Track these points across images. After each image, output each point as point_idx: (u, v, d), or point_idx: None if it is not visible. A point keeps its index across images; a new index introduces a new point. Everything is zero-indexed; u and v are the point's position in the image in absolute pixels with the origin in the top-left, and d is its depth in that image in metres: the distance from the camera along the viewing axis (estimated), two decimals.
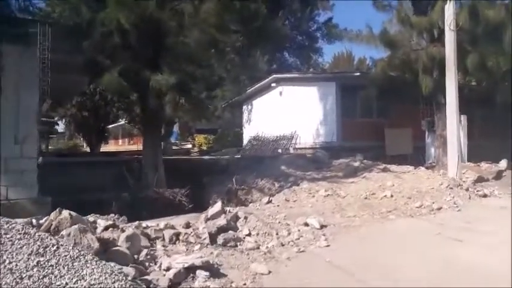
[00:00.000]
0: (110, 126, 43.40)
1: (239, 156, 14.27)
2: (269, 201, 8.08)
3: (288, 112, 18.65)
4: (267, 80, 19.63)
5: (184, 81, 8.32)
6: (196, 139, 29.43)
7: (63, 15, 8.38)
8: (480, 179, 11.14)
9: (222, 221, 6.20)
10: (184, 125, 35.35)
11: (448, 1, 10.14)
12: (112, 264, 4.10)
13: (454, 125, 10.09)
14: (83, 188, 9.22)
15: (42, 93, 8.46)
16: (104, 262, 3.37)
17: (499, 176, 11.97)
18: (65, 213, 4.54)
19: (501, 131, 18.15)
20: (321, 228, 6.48)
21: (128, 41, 7.49)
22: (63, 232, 4.25)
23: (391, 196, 8.73)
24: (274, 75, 19.31)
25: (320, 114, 17.27)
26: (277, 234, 6.04)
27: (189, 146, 29.77)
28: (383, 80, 13.85)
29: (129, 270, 4.12)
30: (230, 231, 6.05)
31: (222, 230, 6.08)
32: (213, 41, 8.59)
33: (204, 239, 5.66)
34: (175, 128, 37.27)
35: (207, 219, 6.40)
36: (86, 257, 3.28)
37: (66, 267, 3.16)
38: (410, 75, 14.13)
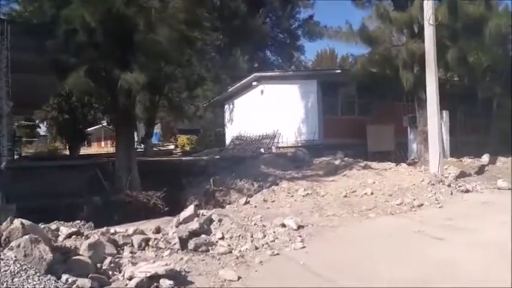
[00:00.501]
0: (91, 128, 42.71)
1: (218, 156, 13.95)
2: (246, 202, 7.80)
3: (270, 111, 18.42)
4: (247, 78, 19.36)
5: (157, 80, 7.98)
6: (179, 140, 28.99)
7: (27, 12, 7.96)
8: (462, 174, 11.05)
9: (194, 224, 5.92)
10: (167, 126, 34.92)
11: None
12: (65, 276, 3.79)
13: (435, 121, 9.96)
14: (54, 192, 8.82)
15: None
16: (48, 276, 3.04)
17: (481, 170, 11.94)
18: (17, 222, 4.19)
19: (483, 126, 18.25)
20: (298, 228, 6.24)
21: (95, 39, 7.12)
22: (13, 243, 3.91)
23: (372, 194, 8.56)
24: (255, 74, 19.05)
25: (302, 112, 17.07)
26: (251, 236, 5.77)
27: (172, 147, 29.34)
28: (363, 77, 13.69)
29: (85, 282, 3.80)
30: (203, 235, 5.77)
31: (194, 234, 5.80)
32: (185, 38, 8.25)
33: (174, 244, 5.36)
34: (158, 129, 36.81)
35: (179, 223, 6.11)
36: (28, 272, 2.96)
37: (4, 284, 2.84)
38: (391, 71, 14.02)
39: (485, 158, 12.76)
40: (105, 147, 43.92)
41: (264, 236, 5.83)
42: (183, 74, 28.16)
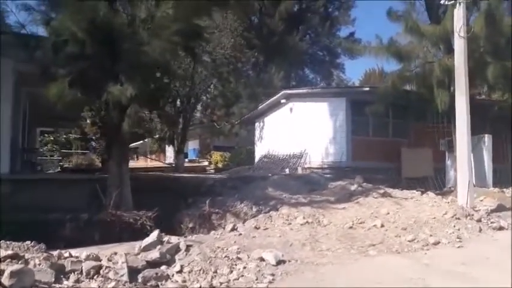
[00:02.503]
0: (138, 142, 43.84)
1: (226, 176, 13.33)
2: (233, 229, 7.08)
3: (299, 129, 17.58)
4: (276, 96, 18.70)
5: (150, 93, 7.60)
6: (213, 156, 28.77)
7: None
8: (500, 208, 9.61)
9: (154, 253, 5.29)
10: (204, 142, 34.99)
11: (457, 5, 8.90)
12: None
13: (464, 144, 8.74)
14: (47, 207, 8.55)
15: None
16: None
17: None
18: None
19: None
20: (277, 264, 5.44)
21: (84, 49, 6.87)
22: None
23: (382, 226, 7.52)
24: (284, 91, 18.35)
25: (330, 131, 16.08)
26: (215, 272, 5.04)
27: (206, 163, 29.17)
28: (394, 95, 12.56)
29: None
30: (162, 267, 5.13)
31: (153, 264, 5.18)
32: (183, 49, 7.77)
33: (122, 275, 4.75)
34: (196, 145, 37.03)
35: (140, 251, 5.51)
36: None
37: None
38: (425, 90, 12.83)
39: None
40: (151, 162, 44.86)
41: (231, 271, 5.08)
42: (222, 91, 28.38)
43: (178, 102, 23.58)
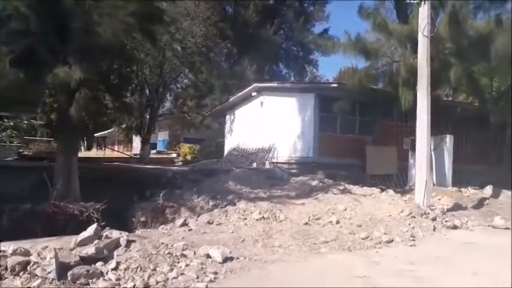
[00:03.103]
0: (106, 131, 42.64)
1: (187, 168, 13.02)
2: (184, 224, 6.81)
3: (269, 123, 17.42)
4: (248, 88, 18.45)
5: (102, 77, 7.18)
6: (182, 148, 28.28)
7: None
8: (456, 207, 9.75)
9: (90, 249, 4.97)
10: (174, 133, 34.38)
11: (422, 3, 8.86)
12: None
13: (423, 144, 8.76)
14: None
15: None
16: None
17: (480, 204, 10.53)
18: None
19: (496, 155, 16.65)
20: (223, 262, 5.22)
21: (28, 26, 6.38)
22: None
23: (337, 223, 7.44)
24: (255, 84, 18.12)
25: (298, 127, 15.97)
26: (153, 269, 4.78)
27: (174, 155, 28.64)
28: (359, 92, 12.52)
29: None
30: (98, 263, 4.82)
31: (88, 260, 4.87)
32: (140, 31, 7.36)
33: (49, 272, 4.42)
34: (166, 136, 36.35)
35: (76, 245, 5.17)
36: None
37: None
38: (391, 89, 12.86)
39: (488, 190, 11.31)
40: (117, 152, 43.77)
41: (171, 269, 4.82)
42: (194, 82, 27.84)
43: (147, 91, 23.00)
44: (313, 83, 21.27)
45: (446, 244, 6.90)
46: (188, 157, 26.53)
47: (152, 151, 35.49)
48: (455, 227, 8.08)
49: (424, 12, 8.88)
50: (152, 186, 10.18)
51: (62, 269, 4.55)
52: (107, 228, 6.46)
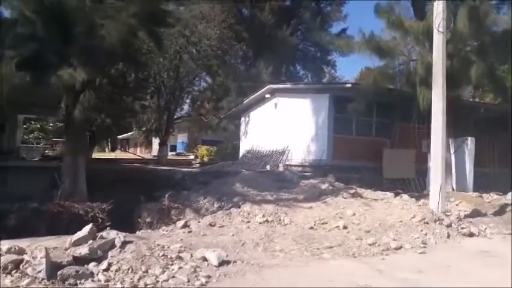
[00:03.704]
0: (128, 134, 43.28)
1: (198, 170, 12.92)
2: (185, 225, 6.68)
3: (282, 125, 17.21)
4: (261, 90, 18.29)
5: (110, 79, 7.17)
6: (199, 150, 28.38)
7: None
8: (475, 213, 9.26)
9: (84, 249, 4.89)
10: (192, 135, 34.60)
11: None
12: None
13: (438, 145, 8.37)
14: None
15: None
16: None
17: (502, 210, 9.97)
18: None
19: None
20: (219, 265, 5.05)
21: (33, 30, 6.42)
22: None
23: (345, 228, 7.15)
24: (269, 86, 17.94)
25: (312, 129, 15.70)
26: (145, 271, 4.64)
27: (192, 157, 28.78)
28: (374, 93, 12.15)
29: None
30: (91, 264, 4.73)
31: (81, 260, 4.79)
32: (134, 33, 7.28)
33: (39, 272, 4.35)
34: (185, 138, 36.60)
35: (70, 245, 5.11)
36: None
37: None
38: (409, 88, 12.44)
39: (510, 196, 10.74)
40: (135, 153, 44.32)
41: (163, 272, 4.67)
42: (211, 84, 27.91)
43: (165, 94, 23.15)
44: (327, 83, 20.90)
45: (459, 252, 6.51)
46: (205, 159, 26.60)
47: (172, 153, 35.98)
48: (471, 235, 7.64)
49: (438, 8, 8.50)
50: (162, 187, 10.13)
51: (54, 268, 4.48)
52: (108, 228, 6.42)
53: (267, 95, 17.92)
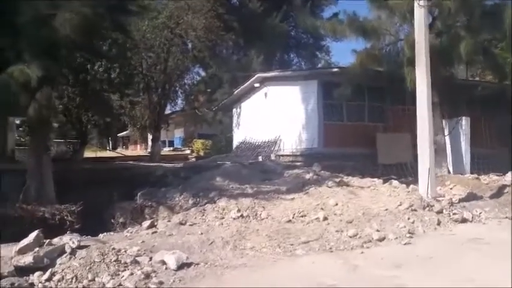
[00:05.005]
0: (126, 132, 42.91)
1: (181, 165, 12.49)
2: (152, 226, 6.25)
3: (273, 115, 16.73)
4: (250, 80, 17.77)
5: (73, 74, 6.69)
6: (194, 144, 27.96)
7: None
8: (470, 197, 8.71)
9: (27, 258, 4.48)
10: (188, 130, 34.18)
11: None
12: None
13: (425, 126, 7.88)
14: None
15: None
16: None
17: (499, 192, 9.44)
18: None
19: None
20: (178, 269, 4.63)
21: None
22: None
23: (325, 219, 6.70)
24: (258, 75, 17.39)
25: (302, 117, 15.19)
26: (92, 280, 4.24)
27: (188, 151, 28.37)
28: (361, 76, 11.61)
29: None
30: (36, 273, 4.33)
31: (25, 270, 4.41)
32: (90, 24, 6.77)
33: None
34: (181, 133, 36.19)
35: (16, 254, 4.69)
36: None
37: None
38: (397, 69, 11.89)
39: (510, 176, 10.21)
40: (135, 150, 44.04)
41: (112, 279, 4.26)
42: (202, 77, 27.36)
43: (155, 89, 22.62)
44: (314, 69, 20.31)
45: (448, 241, 6.04)
46: (201, 153, 26.18)
47: (169, 148, 35.57)
48: (464, 221, 7.17)
49: None
50: (141, 184, 9.71)
51: None
52: (68, 232, 6.02)
53: (257, 84, 17.41)
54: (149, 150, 31.46)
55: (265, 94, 17.42)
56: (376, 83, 13.96)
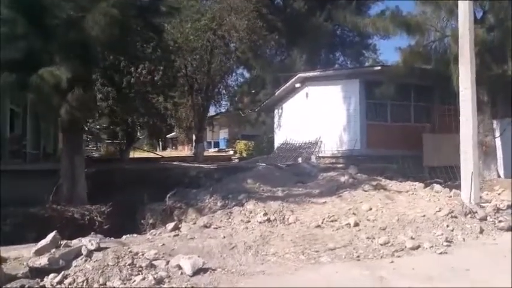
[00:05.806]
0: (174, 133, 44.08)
1: (215, 166, 12.42)
2: (176, 228, 6.21)
3: (314, 115, 16.33)
4: (291, 80, 17.47)
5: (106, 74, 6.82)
6: (237, 146, 28.07)
7: None
8: None
9: (43, 259, 4.53)
10: (232, 131, 34.41)
11: None
12: None
13: (468, 127, 7.24)
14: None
15: None
16: None
17: None
18: None
19: None
20: (193, 274, 4.53)
21: (17, 30, 6.22)
22: None
23: (356, 225, 6.36)
24: (299, 75, 17.06)
25: (343, 117, 14.70)
26: (103, 284, 4.22)
27: (231, 152, 28.54)
28: (405, 74, 10.98)
29: None
30: (50, 276, 4.37)
31: (40, 271, 4.46)
32: (118, 24, 6.84)
33: None
34: (226, 134, 36.53)
35: (32, 255, 4.79)
36: None
37: None
38: (444, 67, 11.16)
39: None
40: (183, 151, 45.05)
41: (123, 283, 4.22)
42: (246, 78, 27.41)
43: (198, 91, 22.94)
44: (356, 67, 19.59)
45: (489, 252, 5.49)
46: (244, 154, 26.23)
47: (215, 149, 36.05)
48: (510, 229, 6.52)
49: None
50: (175, 185, 9.76)
51: (7, 281, 4.19)
52: (92, 233, 6.11)
53: (298, 85, 17.11)
54: (193, 151, 32.15)
55: (306, 94, 17.05)
56: (423, 82, 13.22)
